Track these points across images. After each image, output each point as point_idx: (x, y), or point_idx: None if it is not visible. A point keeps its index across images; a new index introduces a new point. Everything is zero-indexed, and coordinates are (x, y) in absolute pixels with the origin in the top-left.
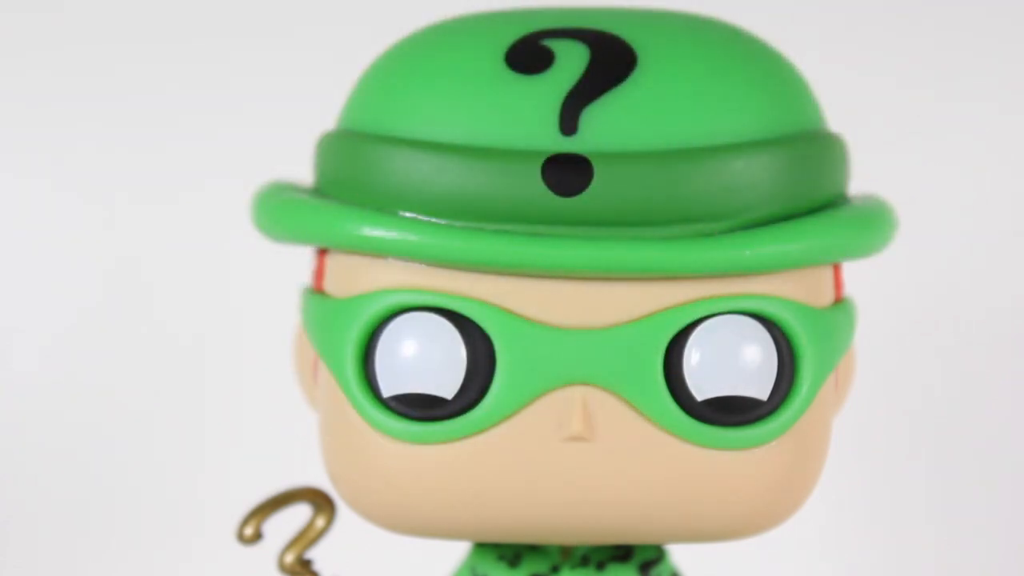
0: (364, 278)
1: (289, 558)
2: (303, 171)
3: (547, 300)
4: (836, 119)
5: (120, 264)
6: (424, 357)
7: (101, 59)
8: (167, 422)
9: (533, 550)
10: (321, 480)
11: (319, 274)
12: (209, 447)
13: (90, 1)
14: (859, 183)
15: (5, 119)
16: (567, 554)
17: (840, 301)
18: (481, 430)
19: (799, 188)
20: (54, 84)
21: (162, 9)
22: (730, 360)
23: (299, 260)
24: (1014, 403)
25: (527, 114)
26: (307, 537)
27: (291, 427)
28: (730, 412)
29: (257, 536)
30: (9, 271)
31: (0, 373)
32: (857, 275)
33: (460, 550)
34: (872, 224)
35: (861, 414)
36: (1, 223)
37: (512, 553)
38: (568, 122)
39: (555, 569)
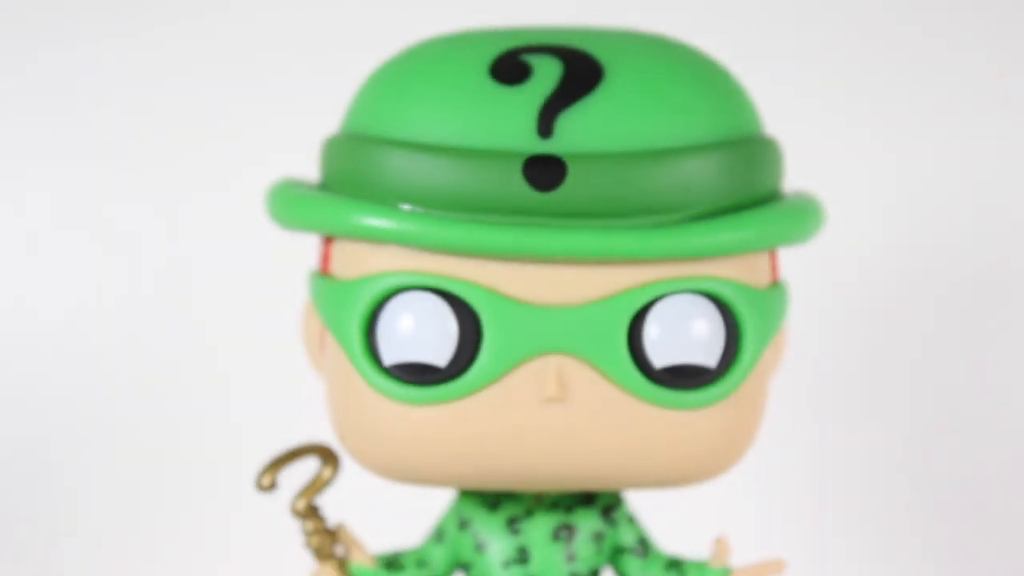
0: (367, 262)
1: (300, 504)
2: (307, 170)
3: (527, 281)
4: (772, 123)
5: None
6: (420, 331)
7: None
8: (196, 393)
9: (510, 497)
10: (328, 437)
11: (326, 259)
12: (232, 408)
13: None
14: (791, 180)
15: (28, 116)
16: (539, 500)
17: (776, 283)
18: (469, 393)
19: (743, 184)
20: (76, 83)
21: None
22: (684, 333)
23: (303, 248)
24: (936, 380)
25: (509, 119)
26: (315, 486)
27: (302, 392)
28: (684, 377)
29: (273, 485)
30: (15, 268)
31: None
32: (789, 260)
33: (447, 497)
34: (805, 215)
35: (797, 383)
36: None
37: (492, 499)
38: (545, 126)
39: (529, 512)
